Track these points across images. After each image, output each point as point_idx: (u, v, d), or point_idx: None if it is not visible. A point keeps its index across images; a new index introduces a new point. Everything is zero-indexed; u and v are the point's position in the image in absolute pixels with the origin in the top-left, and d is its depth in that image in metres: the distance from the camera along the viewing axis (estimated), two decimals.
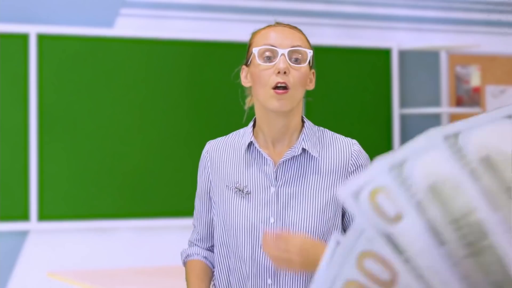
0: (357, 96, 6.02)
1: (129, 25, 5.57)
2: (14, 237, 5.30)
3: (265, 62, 2.09)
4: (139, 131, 5.50)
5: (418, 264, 0.67)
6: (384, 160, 0.69)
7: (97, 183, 5.39)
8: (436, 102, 6.31)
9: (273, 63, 2.07)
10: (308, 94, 2.27)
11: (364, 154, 2.12)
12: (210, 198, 2.23)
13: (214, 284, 2.20)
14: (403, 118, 6.19)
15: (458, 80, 6.34)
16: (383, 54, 6.09)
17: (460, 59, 6.39)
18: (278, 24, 2.17)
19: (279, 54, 2.06)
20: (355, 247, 0.71)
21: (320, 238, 2.07)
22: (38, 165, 5.26)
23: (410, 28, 6.26)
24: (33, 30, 5.28)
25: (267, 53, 2.09)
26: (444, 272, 0.66)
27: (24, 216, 5.25)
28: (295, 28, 2.16)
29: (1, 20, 5.30)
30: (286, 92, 2.05)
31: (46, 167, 5.28)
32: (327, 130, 2.18)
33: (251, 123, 2.19)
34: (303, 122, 2.17)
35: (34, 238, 5.33)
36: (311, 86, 2.17)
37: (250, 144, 2.15)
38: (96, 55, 5.42)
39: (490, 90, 6.47)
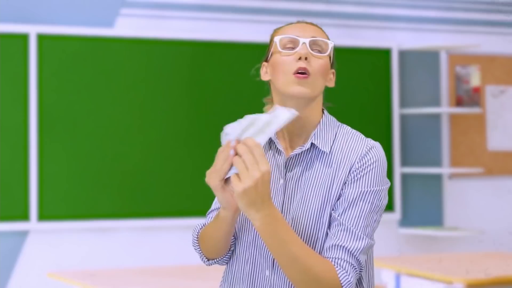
0: (357, 96, 6.02)
1: (129, 25, 5.57)
2: (14, 237, 5.31)
3: (287, 50, 2.07)
4: (139, 131, 5.50)
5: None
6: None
7: (96, 183, 5.39)
8: (436, 102, 6.31)
9: (295, 50, 2.06)
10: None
11: (373, 154, 2.04)
12: None
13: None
14: (403, 118, 6.18)
15: (458, 80, 6.34)
16: (383, 54, 6.09)
17: (460, 59, 6.39)
18: (299, 22, 2.17)
19: (301, 43, 2.05)
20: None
21: (322, 233, 2.04)
22: (38, 165, 5.26)
23: (410, 28, 6.26)
24: (33, 30, 5.28)
25: (289, 44, 2.07)
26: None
27: (24, 216, 5.25)
28: (316, 25, 2.17)
29: (1, 20, 5.30)
30: (307, 77, 2.03)
31: (46, 167, 5.28)
32: (348, 127, 2.13)
33: None
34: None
35: (34, 238, 5.33)
36: (331, 84, 2.14)
37: None
38: (96, 55, 5.42)
39: (490, 90, 6.47)
